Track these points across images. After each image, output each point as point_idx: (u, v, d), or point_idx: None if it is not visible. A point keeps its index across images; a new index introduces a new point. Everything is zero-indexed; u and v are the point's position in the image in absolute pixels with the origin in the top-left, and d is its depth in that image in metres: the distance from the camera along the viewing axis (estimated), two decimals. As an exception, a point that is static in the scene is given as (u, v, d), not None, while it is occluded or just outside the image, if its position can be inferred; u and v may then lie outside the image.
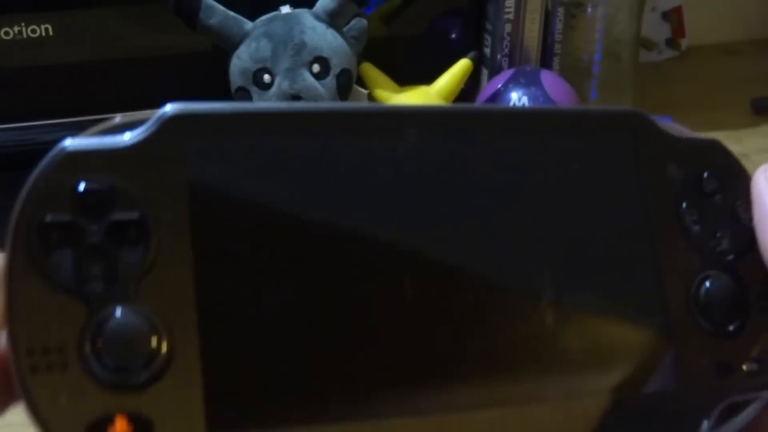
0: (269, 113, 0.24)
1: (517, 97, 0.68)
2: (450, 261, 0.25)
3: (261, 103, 0.23)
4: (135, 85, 0.67)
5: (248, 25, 0.63)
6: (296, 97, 0.62)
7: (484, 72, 0.78)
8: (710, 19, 1.00)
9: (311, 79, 0.62)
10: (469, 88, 0.72)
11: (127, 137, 0.22)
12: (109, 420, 0.21)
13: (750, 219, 0.27)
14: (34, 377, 0.20)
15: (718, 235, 0.27)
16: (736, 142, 0.79)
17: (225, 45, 0.63)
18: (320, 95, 0.62)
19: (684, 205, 0.27)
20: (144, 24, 0.67)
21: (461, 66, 0.67)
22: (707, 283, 0.26)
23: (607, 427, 0.25)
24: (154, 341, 0.21)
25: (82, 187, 0.21)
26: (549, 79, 0.69)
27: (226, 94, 0.64)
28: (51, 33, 0.63)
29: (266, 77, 0.62)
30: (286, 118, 0.24)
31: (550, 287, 0.25)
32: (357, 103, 0.25)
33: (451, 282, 0.24)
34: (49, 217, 0.21)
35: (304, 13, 0.64)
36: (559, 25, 0.76)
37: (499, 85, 0.70)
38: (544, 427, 0.24)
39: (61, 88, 0.66)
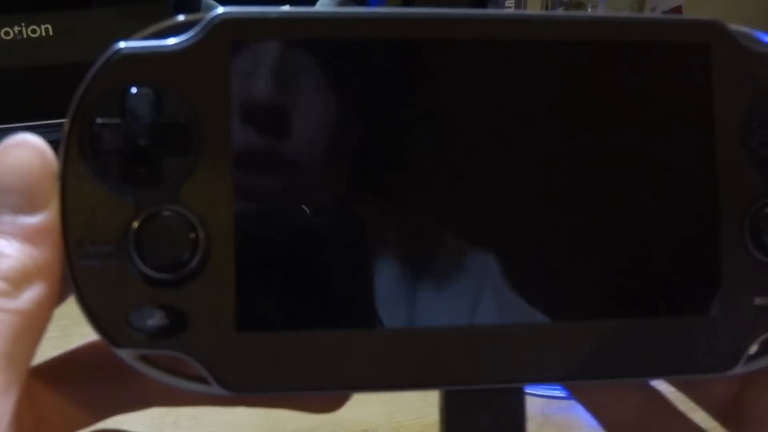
0: (318, 18, 0.24)
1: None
2: (497, 185, 0.24)
3: (313, 8, 0.22)
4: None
5: (248, 25, 0.63)
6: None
7: (484, 72, 0.78)
8: (710, 19, 1.00)
9: (311, 79, 0.62)
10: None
11: (177, 41, 0.23)
12: (148, 311, 0.22)
13: None
14: (82, 267, 0.22)
15: None
16: (736, 142, 0.79)
17: (225, 45, 0.63)
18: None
19: (754, 124, 0.25)
20: (144, 24, 0.67)
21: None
22: (766, 211, 0.25)
23: (647, 347, 0.25)
24: (192, 241, 0.22)
25: (131, 90, 0.22)
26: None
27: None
28: (51, 33, 0.63)
29: (266, 77, 0.62)
30: (338, 23, 0.23)
31: (608, 201, 0.25)
32: (413, 8, 0.24)
33: (496, 204, 0.24)
34: (99, 119, 0.22)
35: (304, 13, 0.64)
36: (559, 25, 0.76)
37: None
38: (577, 342, 0.24)
39: (61, 88, 0.66)
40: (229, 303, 0.23)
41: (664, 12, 0.97)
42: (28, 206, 0.21)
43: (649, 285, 0.25)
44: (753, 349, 0.25)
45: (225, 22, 0.23)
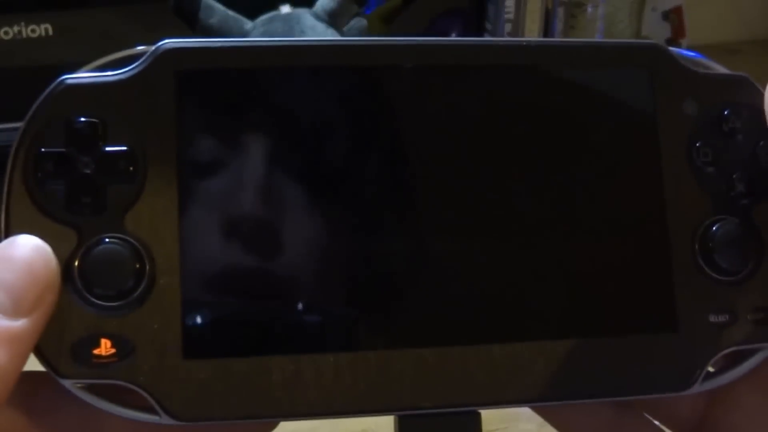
0: (258, 48, 0.24)
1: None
2: (457, 195, 0.25)
3: (251, 38, 0.23)
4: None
5: (248, 24, 0.63)
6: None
7: (484, 72, 0.78)
8: (710, 19, 1.00)
9: (311, 79, 0.62)
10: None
11: (121, 72, 0.23)
12: (93, 340, 0.22)
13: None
14: None
15: (734, 177, 0.25)
16: (736, 142, 0.79)
17: (225, 45, 0.63)
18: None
19: (698, 144, 0.25)
20: (144, 24, 0.67)
21: (461, 66, 0.67)
22: (715, 228, 0.25)
23: (602, 368, 0.25)
24: (137, 269, 0.22)
25: (75, 120, 0.23)
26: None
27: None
28: (51, 33, 0.63)
29: (266, 77, 0.62)
30: (275, 52, 0.24)
31: (555, 223, 0.25)
32: (347, 38, 0.25)
33: (454, 216, 0.25)
34: (44, 148, 0.22)
35: (304, 13, 0.64)
36: (559, 25, 0.76)
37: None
38: (531, 364, 0.24)
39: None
40: (175, 331, 0.23)
41: (664, 12, 0.97)
42: (12, 309, 0.21)
43: (604, 306, 0.25)
44: (712, 366, 0.25)
45: (168, 52, 0.23)
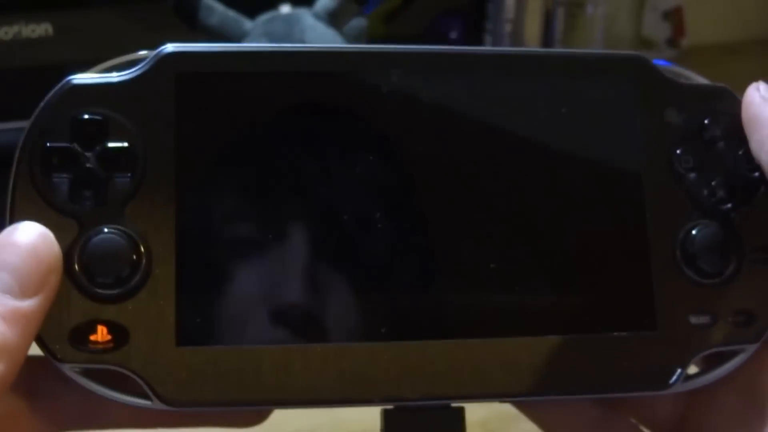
0: (256, 53, 0.25)
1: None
2: (442, 196, 0.26)
3: (251, 44, 0.25)
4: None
5: (248, 24, 0.63)
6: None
7: (484, 72, 0.78)
8: (710, 18, 1.00)
9: (311, 79, 0.62)
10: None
11: (125, 74, 0.25)
12: (90, 326, 0.23)
13: (750, 167, 0.26)
14: None
15: (713, 183, 0.26)
16: (737, 142, 0.79)
17: (225, 45, 0.63)
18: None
19: (679, 151, 0.26)
20: (144, 24, 0.67)
21: (461, 66, 0.67)
22: (695, 232, 0.26)
23: (584, 365, 0.25)
24: (134, 258, 0.24)
25: (79, 117, 0.24)
26: (549, 79, 0.69)
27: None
28: (51, 33, 0.63)
29: (266, 77, 0.62)
30: (272, 57, 0.25)
31: (539, 223, 0.26)
32: (342, 45, 0.26)
33: (436, 216, 0.26)
34: (49, 143, 0.24)
35: (304, 13, 0.64)
36: (559, 25, 0.76)
37: (499, 85, 0.70)
38: (513, 360, 0.25)
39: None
40: (169, 319, 0.24)
41: (664, 12, 0.97)
42: (18, 290, 0.22)
43: (586, 305, 0.26)
44: (692, 367, 0.25)
45: (169, 55, 0.25)
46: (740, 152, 0.26)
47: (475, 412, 0.46)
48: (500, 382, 0.25)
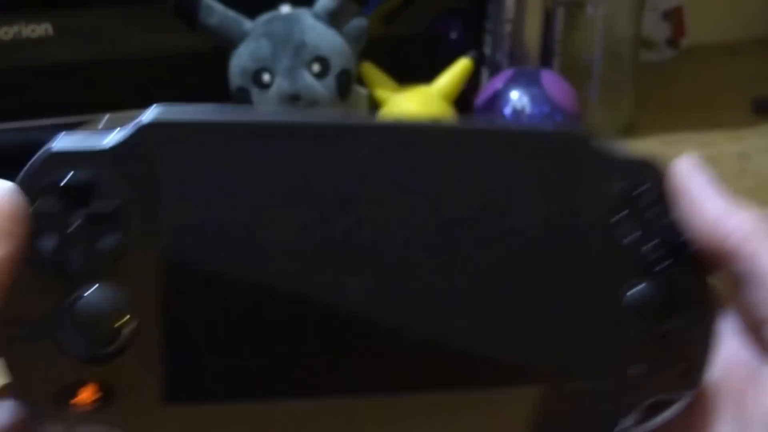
0: (235, 124, 0.27)
1: (517, 97, 0.68)
2: (396, 265, 0.27)
3: (233, 113, 0.25)
4: (135, 85, 0.67)
5: (248, 24, 0.63)
6: (296, 97, 0.62)
7: (484, 72, 0.78)
8: (710, 18, 1.00)
9: (311, 79, 0.62)
10: (469, 88, 0.72)
11: (108, 139, 0.25)
12: (78, 386, 0.24)
13: (679, 231, 0.28)
14: (14, 345, 0.23)
15: (650, 245, 0.29)
16: (736, 142, 0.79)
17: (225, 45, 0.63)
18: (320, 95, 0.62)
19: (616, 219, 0.29)
20: (144, 24, 0.67)
21: (461, 66, 0.67)
22: (634, 291, 0.28)
23: (533, 422, 0.27)
24: (122, 318, 0.24)
25: (65, 182, 0.24)
26: (549, 79, 0.69)
27: (226, 94, 0.64)
28: (51, 33, 0.63)
29: (266, 77, 0.62)
30: (249, 128, 0.27)
31: (488, 293, 0.27)
32: (315, 113, 0.28)
33: (396, 281, 0.27)
34: (33, 209, 0.24)
35: (304, 13, 0.64)
36: (559, 25, 0.76)
37: (499, 85, 0.70)
38: (471, 419, 0.27)
39: (61, 88, 0.66)
40: (157, 377, 0.24)
41: (664, 12, 0.97)
42: None
43: (536, 360, 0.27)
44: (632, 417, 0.28)
45: (151, 124, 0.25)
46: (669, 217, 0.29)
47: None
48: None
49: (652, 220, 0.29)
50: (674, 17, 0.97)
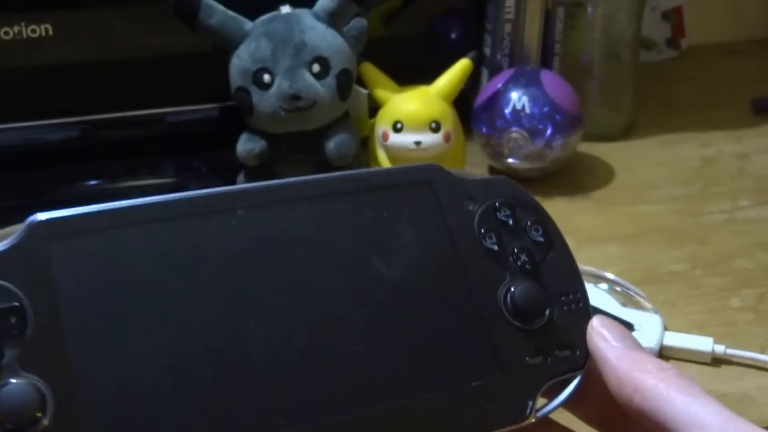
0: (109, 211, 0.29)
1: (517, 97, 0.68)
2: (282, 310, 0.30)
3: (108, 204, 0.30)
4: (135, 85, 0.67)
5: (248, 25, 0.63)
6: (296, 97, 0.62)
7: (484, 72, 0.78)
8: (710, 19, 1.00)
9: (311, 79, 0.62)
10: (469, 88, 0.72)
11: (2, 244, 0.28)
12: None
13: (538, 231, 0.34)
14: None
15: (515, 250, 0.33)
16: (736, 142, 0.79)
17: (225, 45, 0.63)
18: (320, 95, 0.62)
19: (482, 231, 0.33)
20: (144, 24, 0.67)
21: (461, 66, 0.67)
22: (512, 290, 0.32)
23: (452, 414, 0.30)
24: (36, 408, 0.26)
25: None
26: (549, 79, 0.69)
27: (226, 94, 0.65)
28: (51, 33, 0.63)
29: (266, 77, 0.62)
30: (124, 213, 0.29)
31: (383, 323, 0.30)
32: (186, 193, 0.31)
33: (285, 328, 0.29)
34: None
35: (304, 13, 0.64)
36: (559, 25, 0.76)
37: (499, 85, 0.70)
38: (392, 421, 0.29)
39: (61, 88, 0.66)
40: None
41: (664, 12, 0.97)
42: None
43: (444, 369, 0.31)
44: (540, 399, 0.31)
45: (37, 225, 0.28)
46: (529, 222, 0.34)
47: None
48: None
49: (515, 227, 0.33)
50: (674, 17, 0.97)
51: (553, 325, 0.32)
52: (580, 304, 0.33)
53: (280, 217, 0.31)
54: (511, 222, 0.33)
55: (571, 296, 0.33)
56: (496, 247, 0.33)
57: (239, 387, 0.28)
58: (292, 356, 0.29)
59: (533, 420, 0.31)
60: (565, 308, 0.33)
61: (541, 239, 0.33)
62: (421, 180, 0.33)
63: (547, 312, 0.32)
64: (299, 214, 0.31)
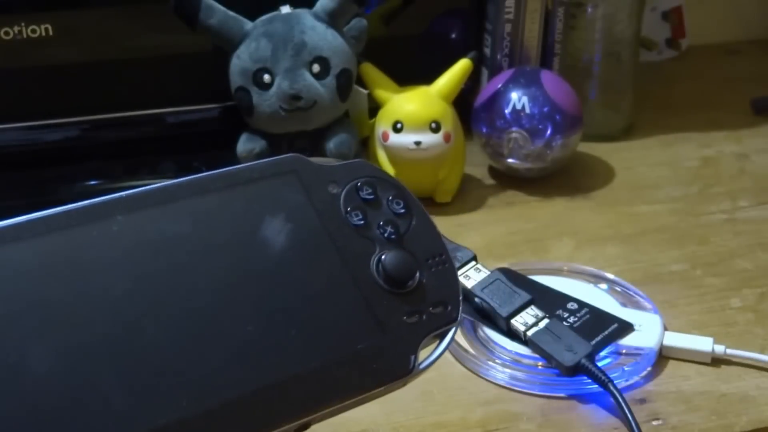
0: None
1: (517, 97, 0.68)
2: (171, 303, 0.31)
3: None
4: (135, 85, 0.67)
5: (248, 25, 0.63)
6: (296, 97, 0.62)
7: (484, 72, 0.78)
8: (710, 19, 1.00)
9: (311, 79, 0.62)
10: (469, 88, 0.72)
11: None
12: None
13: (399, 203, 0.37)
14: None
15: (381, 223, 0.36)
16: (736, 142, 0.79)
17: (225, 45, 0.63)
18: (320, 95, 0.62)
19: (348, 209, 0.36)
20: (144, 24, 0.67)
21: (461, 66, 0.67)
22: (382, 260, 0.35)
23: (348, 375, 0.33)
24: None
25: None
26: (549, 79, 0.69)
27: (226, 94, 0.65)
28: (51, 33, 0.63)
29: (266, 77, 0.62)
30: (4, 232, 0.30)
31: (267, 302, 0.33)
32: (66, 206, 0.33)
33: (176, 319, 0.31)
34: None
35: (304, 13, 0.64)
36: (559, 25, 0.76)
37: (499, 85, 0.70)
38: (294, 387, 0.32)
39: (61, 88, 0.66)
40: None
41: (664, 12, 0.97)
42: None
43: (332, 338, 0.33)
44: (421, 353, 0.34)
45: None
46: (389, 197, 0.37)
47: (475, 412, 0.46)
48: (294, 404, 0.32)
49: (376, 203, 0.37)
50: (674, 17, 0.97)
51: (423, 286, 0.36)
52: (446, 264, 0.37)
53: (158, 218, 0.33)
54: (373, 198, 0.37)
55: (436, 258, 0.37)
56: (362, 222, 0.36)
57: (140, 375, 0.29)
58: (188, 343, 0.31)
59: (417, 372, 0.34)
60: (432, 270, 0.36)
61: (402, 211, 0.37)
62: (285, 171, 0.36)
63: (417, 275, 0.36)
64: (175, 213, 0.33)
